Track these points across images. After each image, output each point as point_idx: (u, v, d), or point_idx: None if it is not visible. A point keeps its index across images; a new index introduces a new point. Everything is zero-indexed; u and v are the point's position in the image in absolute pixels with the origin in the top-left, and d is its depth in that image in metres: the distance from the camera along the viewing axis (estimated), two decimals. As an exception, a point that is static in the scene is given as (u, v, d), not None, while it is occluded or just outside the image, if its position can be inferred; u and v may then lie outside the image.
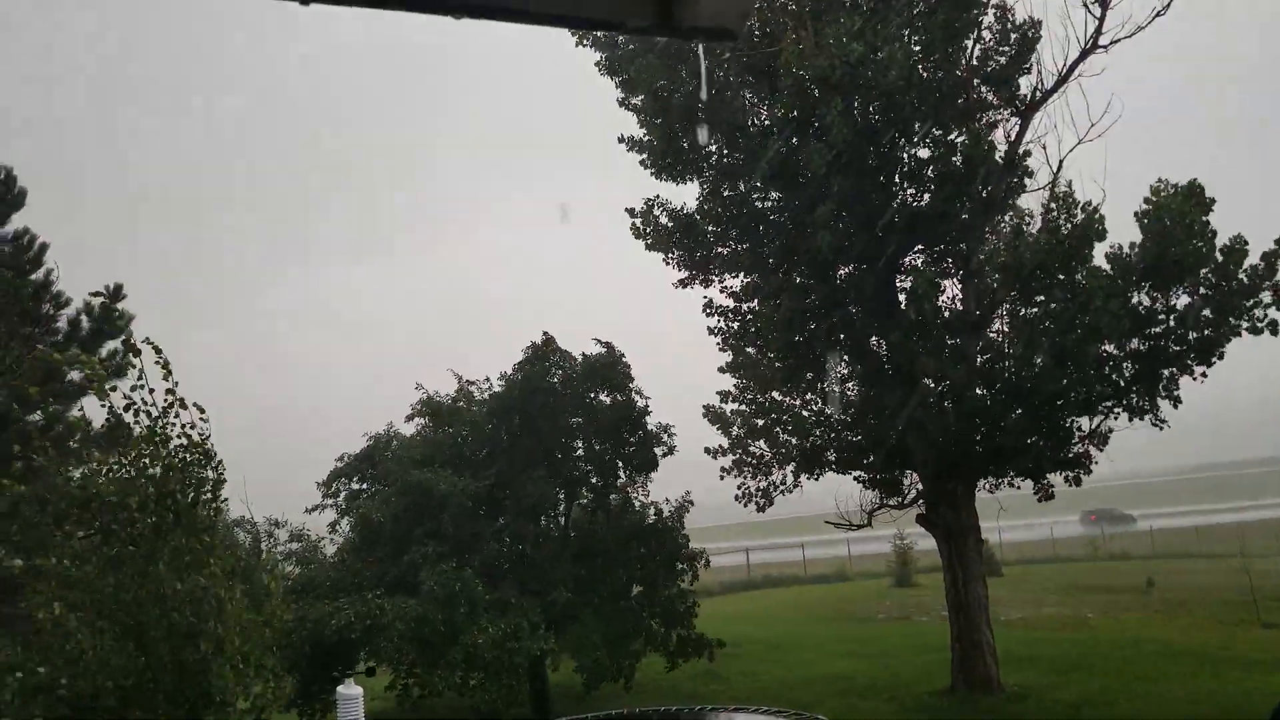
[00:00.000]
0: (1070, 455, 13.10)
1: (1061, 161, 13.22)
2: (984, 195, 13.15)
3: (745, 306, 14.66)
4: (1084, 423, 13.16)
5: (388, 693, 12.41)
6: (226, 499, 6.45)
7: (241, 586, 5.96)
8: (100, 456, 6.17)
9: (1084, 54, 12.88)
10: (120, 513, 5.59)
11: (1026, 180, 13.49)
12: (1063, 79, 13.12)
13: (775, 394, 15.03)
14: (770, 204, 14.29)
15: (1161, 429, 12.99)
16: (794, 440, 14.95)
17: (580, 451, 15.48)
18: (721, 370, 15.30)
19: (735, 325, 14.65)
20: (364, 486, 16.32)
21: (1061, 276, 12.20)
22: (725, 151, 14.24)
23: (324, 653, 12.37)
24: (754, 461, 15.11)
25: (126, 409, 5.99)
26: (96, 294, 15.13)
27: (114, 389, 6.06)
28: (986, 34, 13.22)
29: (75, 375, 13.67)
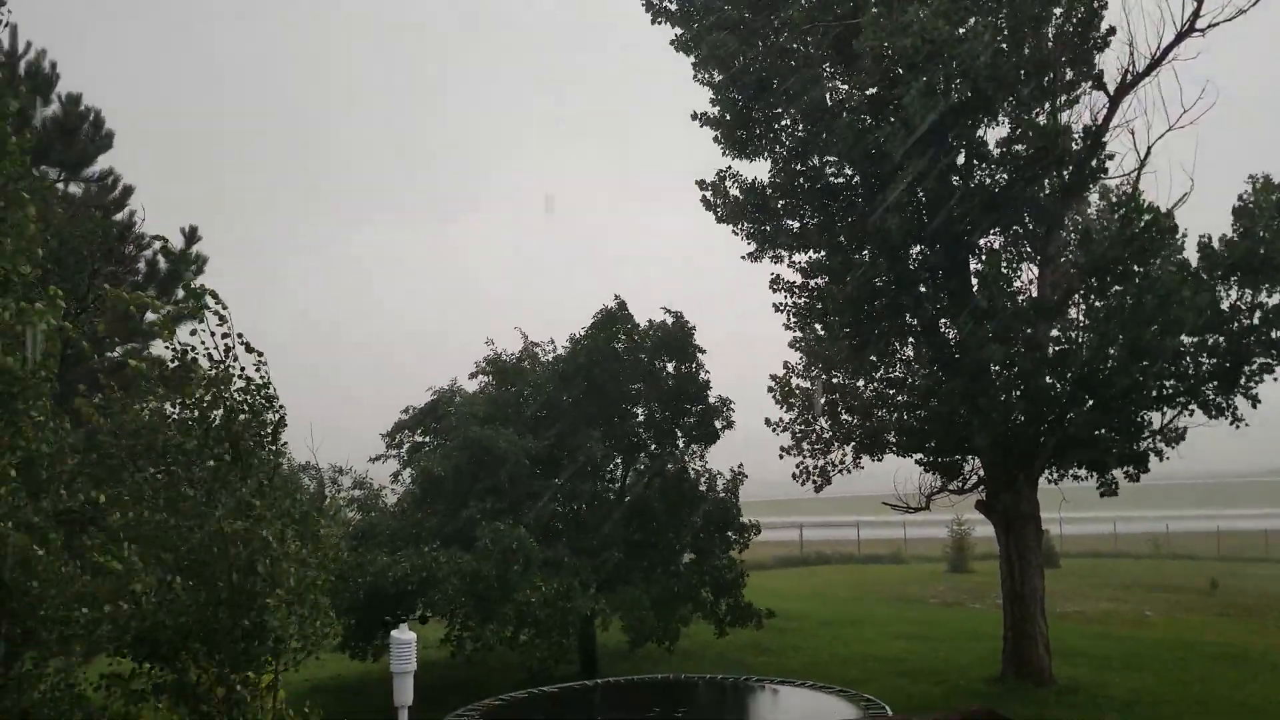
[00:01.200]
0: (1138, 450, 12.81)
1: (1150, 148, 12.82)
2: (1065, 179, 12.83)
3: (813, 283, 14.54)
4: (1155, 418, 12.86)
5: (441, 645, 12.70)
6: (287, 443, 6.61)
7: (296, 529, 6.11)
8: (163, 397, 6.32)
9: (1179, 37, 12.42)
10: (181, 454, 5.77)
11: (1109, 165, 13.12)
12: (1155, 62, 12.67)
13: (838, 373, 14.93)
14: (843, 180, 14.12)
15: (1238, 428, 12.64)
16: (855, 420, 14.86)
17: (640, 418, 15.59)
18: (792, 345, 15.23)
19: (802, 302, 14.55)
20: (426, 439, 16.65)
21: (1138, 268, 11.89)
22: (800, 126, 14.07)
23: (381, 600, 12.71)
24: (814, 440, 15.06)
25: (189, 353, 6.10)
26: (159, 238, 15.55)
27: (173, 332, 6.18)
28: (1076, 13, 12.80)
29: (151, 316, 14.14)
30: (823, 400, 15.03)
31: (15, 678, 4.99)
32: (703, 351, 15.18)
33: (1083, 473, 13.59)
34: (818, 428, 15.07)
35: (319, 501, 17.73)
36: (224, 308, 6.07)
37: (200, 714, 5.31)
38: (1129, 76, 12.87)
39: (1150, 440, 13.04)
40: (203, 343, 6.16)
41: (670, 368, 15.29)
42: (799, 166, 14.10)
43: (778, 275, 14.71)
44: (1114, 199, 13.57)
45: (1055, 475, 13.92)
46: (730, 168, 14.56)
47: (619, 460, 15.51)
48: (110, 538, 5.70)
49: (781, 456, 15.23)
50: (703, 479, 15.26)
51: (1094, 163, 12.89)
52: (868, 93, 12.86)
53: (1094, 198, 14.49)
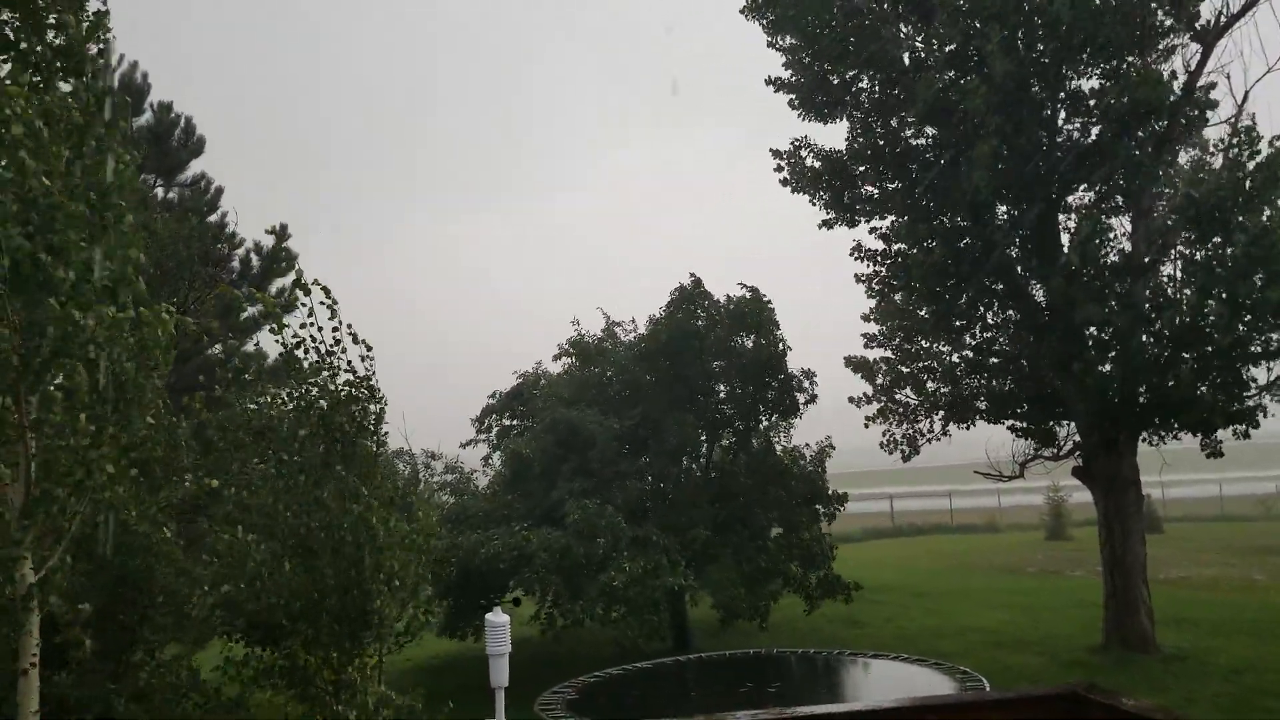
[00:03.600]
0: (1243, 408, 12.29)
1: (1247, 93, 12.26)
2: (1159, 129, 12.32)
3: (894, 249, 14.28)
4: (1260, 374, 12.33)
5: (533, 621, 12.94)
6: (388, 431, 6.80)
7: (397, 516, 6.28)
8: (273, 388, 6.57)
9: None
10: (292, 443, 5.98)
11: (1208, 113, 12.53)
12: (1252, 1, 12.07)
13: (923, 340, 14.66)
14: (924, 142, 13.80)
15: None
16: (942, 388, 14.59)
17: (723, 394, 15.57)
18: (865, 318, 15.01)
19: (884, 269, 14.31)
20: (514, 423, 16.94)
21: (1242, 218, 11.35)
22: (877, 88, 13.79)
23: (474, 581, 13.01)
24: (900, 409, 14.84)
25: (297, 346, 6.32)
26: (270, 231, 16.13)
27: (285, 326, 6.40)
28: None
29: (252, 311, 14.66)
30: (906, 370, 14.79)
31: (134, 662, 5.26)
32: (777, 327, 15.03)
33: (1186, 434, 13.10)
34: (902, 397, 14.85)
35: (414, 486, 18.26)
36: (334, 302, 6.26)
37: (309, 696, 5.52)
38: (1223, 18, 12.28)
39: (1256, 397, 12.50)
40: (310, 336, 6.33)
41: (749, 343, 15.20)
42: (878, 129, 13.83)
43: (859, 243, 14.50)
44: (1217, 144, 12.97)
45: (1156, 438, 13.46)
46: (805, 137, 14.38)
47: (704, 437, 15.54)
48: (226, 521, 5.95)
49: (867, 425, 15.06)
50: (788, 454, 15.18)
51: (1192, 111, 12.34)
52: (947, 49, 12.50)
53: (1192, 148, 13.89)
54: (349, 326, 6.33)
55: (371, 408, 6.36)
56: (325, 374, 6.24)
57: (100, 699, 4.70)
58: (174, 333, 4.08)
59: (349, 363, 6.38)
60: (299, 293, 6.17)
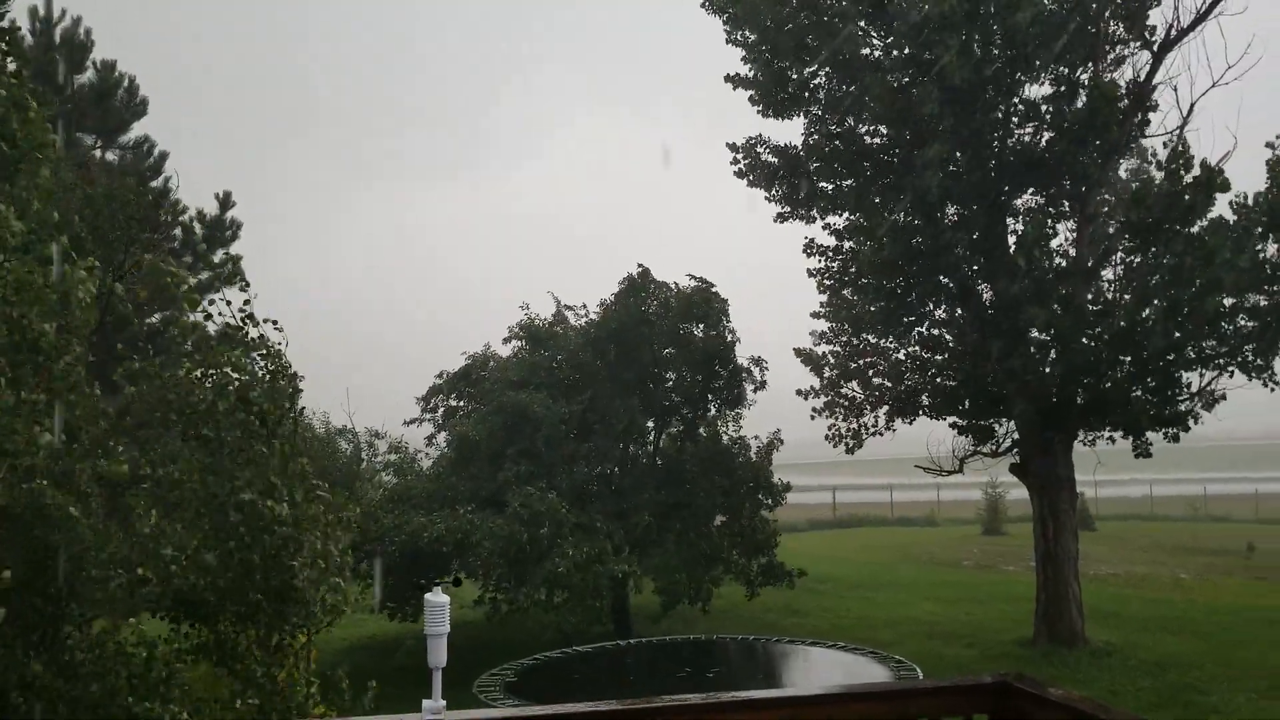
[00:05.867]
0: (1174, 412, 12.63)
1: (1193, 105, 12.52)
2: (1107, 137, 12.57)
3: (847, 246, 14.42)
4: (1194, 380, 12.68)
5: (476, 606, 12.90)
6: (304, 407, 6.63)
7: (322, 493, 6.15)
8: (196, 363, 6.39)
9: (1226, -11, 12.09)
10: (210, 418, 5.83)
11: (1151, 120, 12.83)
12: (1201, 16, 12.35)
13: (870, 336, 14.84)
14: (879, 141, 13.94)
15: (1275, 390, 12.43)
16: (888, 383, 14.79)
17: (671, 382, 15.62)
18: (815, 315, 15.15)
19: (835, 265, 14.44)
20: (461, 404, 16.80)
21: (1180, 228, 11.65)
22: (834, 85, 13.87)
23: (417, 562, 12.91)
24: (846, 403, 15.02)
25: (207, 318, 6.12)
26: (197, 213, 15.66)
27: (197, 302, 6.17)
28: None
29: (196, 280, 14.30)
30: (852, 365, 14.97)
31: (60, 637, 5.14)
32: (727, 318, 15.12)
33: (1118, 435, 13.45)
34: (848, 391, 15.03)
35: (355, 465, 18.04)
36: (244, 282, 6.09)
37: (238, 674, 5.44)
38: (1173, 31, 12.56)
39: (1188, 402, 12.86)
40: (219, 311, 6.13)
41: (698, 332, 15.26)
42: (834, 127, 13.94)
43: (811, 239, 14.63)
44: (1158, 157, 13.29)
45: (1090, 438, 13.79)
46: (761, 134, 14.48)
47: (651, 425, 15.58)
48: (148, 502, 5.81)
49: (813, 418, 15.23)
50: (736, 444, 15.28)
51: (1136, 118, 12.62)
52: (905, 51, 12.63)
53: (1134, 156, 14.21)
54: (245, 304, 6.11)
55: (281, 384, 6.19)
56: (238, 349, 6.05)
57: (16, 668, 4.57)
58: (93, 291, 3.95)
59: (261, 336, 6.19)
60: (230, 264, 6.00)
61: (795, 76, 13.84)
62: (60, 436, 4.75)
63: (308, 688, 5.71)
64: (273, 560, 5.53)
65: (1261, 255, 11.84)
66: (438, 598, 4.11)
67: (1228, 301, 11.99)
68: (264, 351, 6.14)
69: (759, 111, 14.15)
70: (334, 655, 13.01)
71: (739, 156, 14.55)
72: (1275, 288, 11.97)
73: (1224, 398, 12.95)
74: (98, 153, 15.18)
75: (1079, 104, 12.22)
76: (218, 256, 15.36)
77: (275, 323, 6.26)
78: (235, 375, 5.96)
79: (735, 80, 14.16)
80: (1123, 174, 14.17)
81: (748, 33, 13.79)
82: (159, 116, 15.99)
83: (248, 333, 6.07)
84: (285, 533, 5.58)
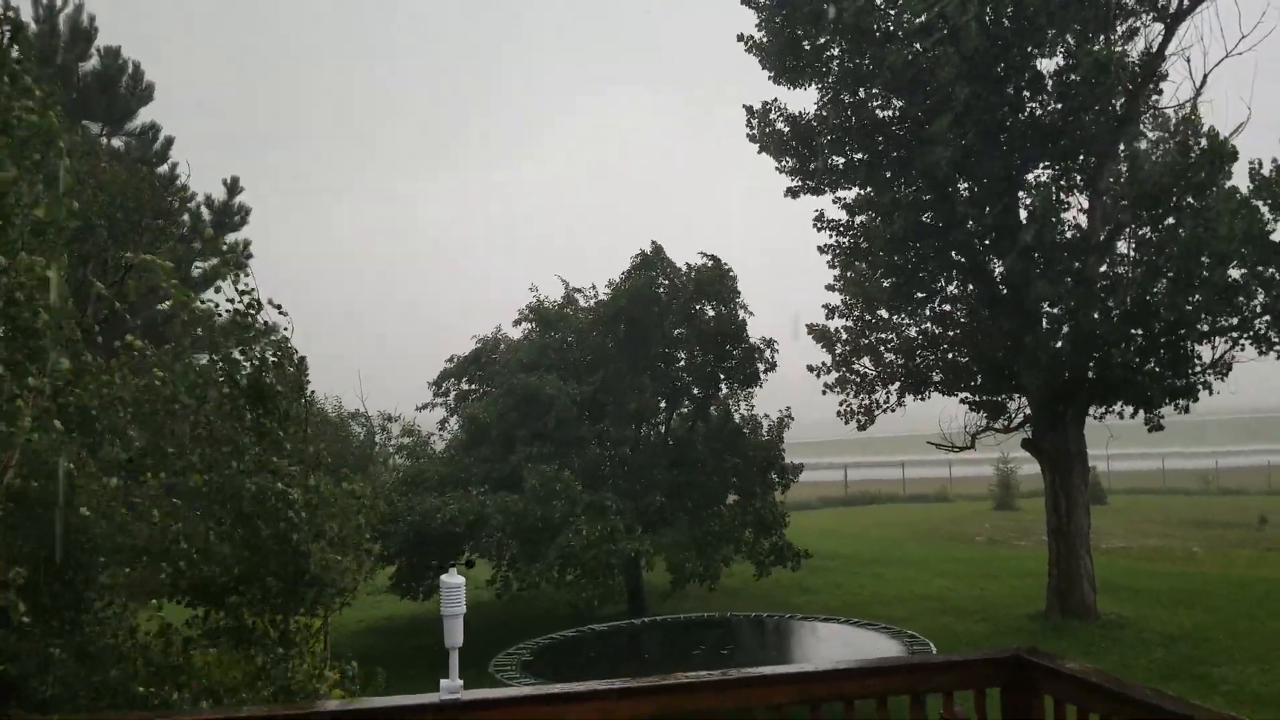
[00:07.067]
0: (1185, 384, 12.57)
1: (1206, 76, 12.40)
2: (1119, 109, 12.46)
3: (858, 220, 14.34)
4: (1204, 352, 12.61)
5: (489, 585, 12.97)
6: (313, 390, 6.64)
7: (327, 480, 6.17)
8: (206, 347, 6.39)
9: (1240, -44, 11.93)
10: (220, 405, 5.84)
11: (1164, 91, 12.71)
12: (1214, -16, 12.21)
13: (882, 312, 14.79)
14: (891, 113, 13.80)
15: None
16: (899, 359, 14.76)
17: (683, 362, 15.60)
18: (829, 288, 15.09)
19: (846, 240, 14.37)
20: (472, 387, 16.85)
21: (1191, 200, 11.55)
22: (848, 55, 13.70)
23: (430, 543, 12.99)
24: (857, 379, 14.99)
25: (214, 307, 6.11)
26: (205, 198, 15.66)
27: (193, 295, 6.16)
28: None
29: (203, 266, 14.32)
30: (864, 341, 14.93)
31: (80, 623, 5.18)
32: (738, 295, 15.06)
33: (1129, 409, 13.40)
34: (860, 368, 15.00)
35: (369, 448, 18.13)
36: (246, 270, 6.07)
37: (253, 658, 5.49)
38: (1186, 1, 12.41)
39: (1199, 374, 12.80)
40: (239, 296, 6.14)
41: (710, 311, 15.21)
42: (846, 99, 13.77)
43: (821, 211, 14.55)
44: (1170, 128, 13.17)
45: (1101, 412, 13.75)
46: (776, 100, 14.30)
47: (663, 404, 15.58)
48: (162, 488, 5.83)
49: (824, 393, 15.20)
50: (746, 424, 15.28)
51: (1152, 92, 12.50)
52: (918, 20, 12.46)
53: (1148, 129, 14.07)
54: (251, 292, 6.12)
55: (289, 369, 6.19)
56: (247, 337, 6.05)
57: (37, 654, 4.63)
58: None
59: (267, 322, 6.19)
60: (233, 252, 5.98)
61: (809, 45, 13.63)
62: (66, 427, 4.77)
63: (323, 668, 5.76)
64: (286, 544, 5.56)
65: (1274, 227, 11.75)
66: (453, 579, 4.13)
67: (1239, 273, 11.91)
68: (274, 338, 6.15)
69: (770, 77, 13.96)
70: (349, 637, 13.13)
71: (753, 120, 14.42)
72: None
73: (1229, 369, 12.88)
74: (104, 140, 15.19)
75: (1088, 74, 12.09)
76: (228, 241, 15.38)
77: (279, 306, 6.25)
78: (244, 361, 5.96)
79: (748, 42, 13.93)
80: (1142, 146, 14.02)
81: None
82: (163, 104, 15.98)
83: (255, 319, 6.07)
84: (298, 517, 5.61)
